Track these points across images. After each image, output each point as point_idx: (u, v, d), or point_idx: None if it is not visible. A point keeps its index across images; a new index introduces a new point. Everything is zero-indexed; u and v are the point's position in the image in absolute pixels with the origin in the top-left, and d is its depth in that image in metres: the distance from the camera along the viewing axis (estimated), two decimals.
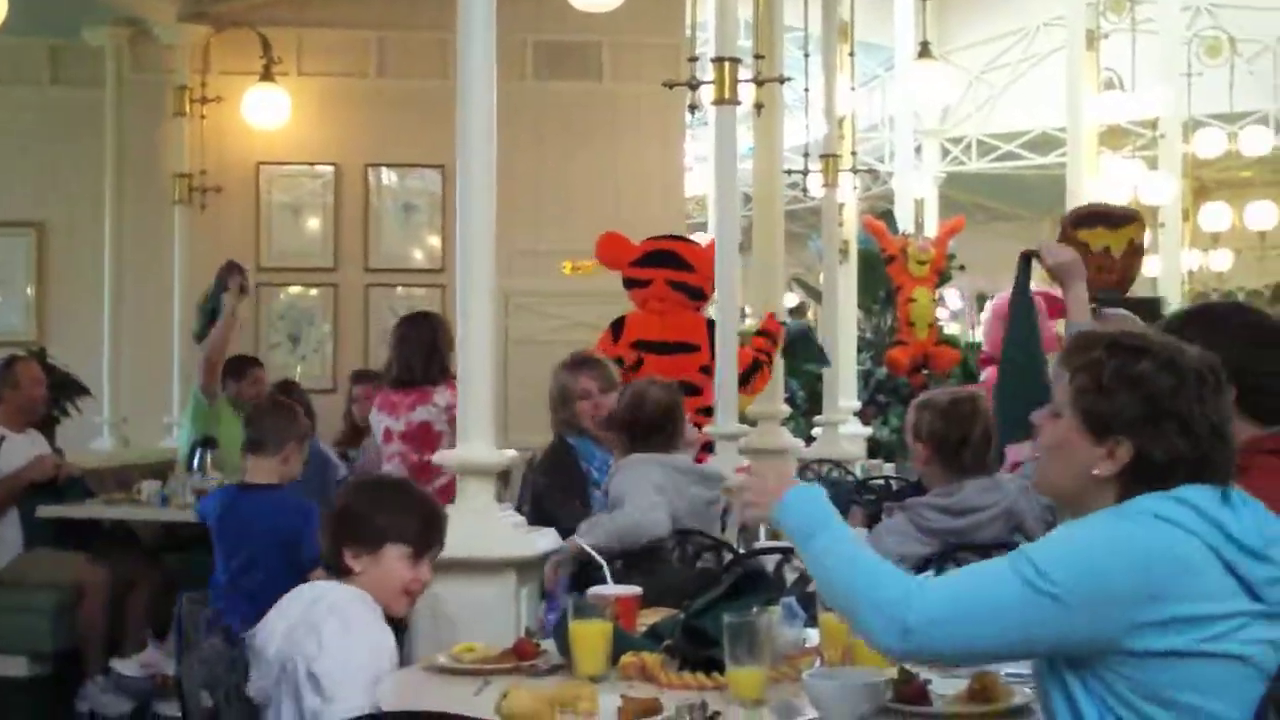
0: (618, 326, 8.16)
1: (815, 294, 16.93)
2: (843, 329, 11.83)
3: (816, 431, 10.98)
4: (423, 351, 7.03)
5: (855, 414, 12.05)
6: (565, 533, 4.88)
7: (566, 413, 6.02)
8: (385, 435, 6.96)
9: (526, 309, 10.19)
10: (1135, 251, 6.81)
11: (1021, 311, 4.62)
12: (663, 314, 8.11)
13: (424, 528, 3.69)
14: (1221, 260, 19.66)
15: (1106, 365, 2.72)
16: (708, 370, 7.72)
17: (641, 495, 5.03)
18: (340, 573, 3.64)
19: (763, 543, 5.42)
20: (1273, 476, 3.12)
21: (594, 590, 3.75)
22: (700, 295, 8.02)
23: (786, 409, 10.05)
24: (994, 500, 4.65)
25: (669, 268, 8.20)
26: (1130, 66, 16.91)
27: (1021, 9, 21.01)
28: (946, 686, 3.06)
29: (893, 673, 3.04)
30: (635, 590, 3.77)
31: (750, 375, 8.37)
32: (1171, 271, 17.85)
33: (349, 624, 3.45)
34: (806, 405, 12.61)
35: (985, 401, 4.62)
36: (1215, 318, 3.53)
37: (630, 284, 8.35)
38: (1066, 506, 2.91)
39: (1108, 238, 5.69)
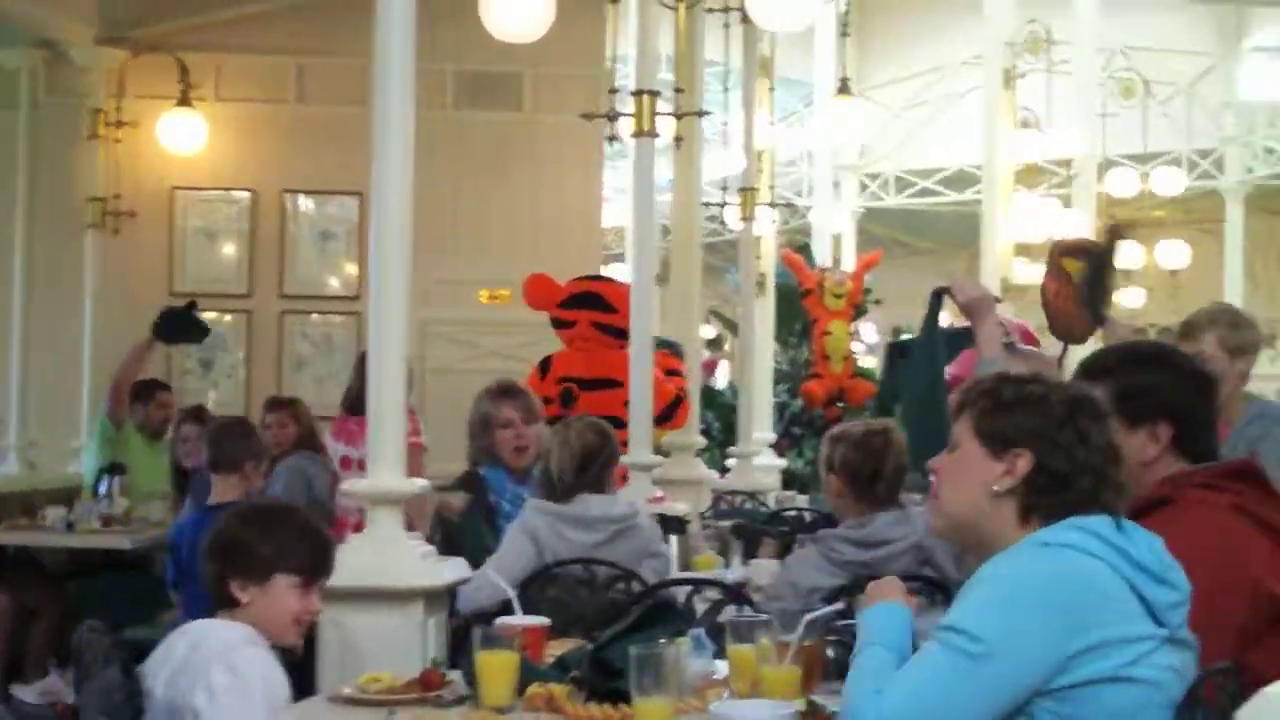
0: (545, 364, 8.28)
1: (732, 326, 16.96)
2: (759, 361, 11.85)
3: (731, 463, 10.99)
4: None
5: (770, 446, 12.08)
6: (474, 564, 4.84)
7: (485, 441, 5.99)
8: (344, 463, 7.05)
9: (443, 338, 10.16)
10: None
11: (931, 346, 4.66)
12: (588, 352, 8.21)
13: (313, 556, 3.58)
14: (1134, 298, 19.85)
15: (1003, 388, 2.86)
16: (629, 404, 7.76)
17: (502, 554, 4.99)
18: (226, 604, 3.52)
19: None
20: (1203, 509, 3.17)
21: (501, 620, 3.73)
22: (623, 335, 8.10)
23: (702, 440, 10.06)
24: (904, 534, 4.67)
25: (593, 309, 8.35)
26: (1046, 106, 17.07)
27: (940, 47, 21.19)
28: None
29: (801, 705, 3.04)
30: (543, 621, 3.75)
31: (673, 410, 8.46)
32: None
33: (235, 669, 3.32)
34: (722, 437, 12.65)
35: (898, 434, 4.64)
36: (1151, 357, 3.58)
37: (557, 324, 8.48)
38: (968, 541, 2.95)
39: (1072, 265, 5.78)
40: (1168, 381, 3.48)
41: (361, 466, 6.67)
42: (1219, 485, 3.38)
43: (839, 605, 3.67)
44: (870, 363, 16.72)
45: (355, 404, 7.16)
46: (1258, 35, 21.50)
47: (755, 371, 11.46)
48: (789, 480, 11.99)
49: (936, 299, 4.65)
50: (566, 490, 5.14)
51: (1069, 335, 5.93)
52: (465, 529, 5.66)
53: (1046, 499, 2.77)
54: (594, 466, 5.15)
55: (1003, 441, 2.80)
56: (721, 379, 16.60)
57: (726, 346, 18.78)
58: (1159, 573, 2.72)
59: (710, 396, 13.71)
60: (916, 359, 4.62)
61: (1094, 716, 2.60)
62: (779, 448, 12.65)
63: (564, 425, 5.31)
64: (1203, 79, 21.24)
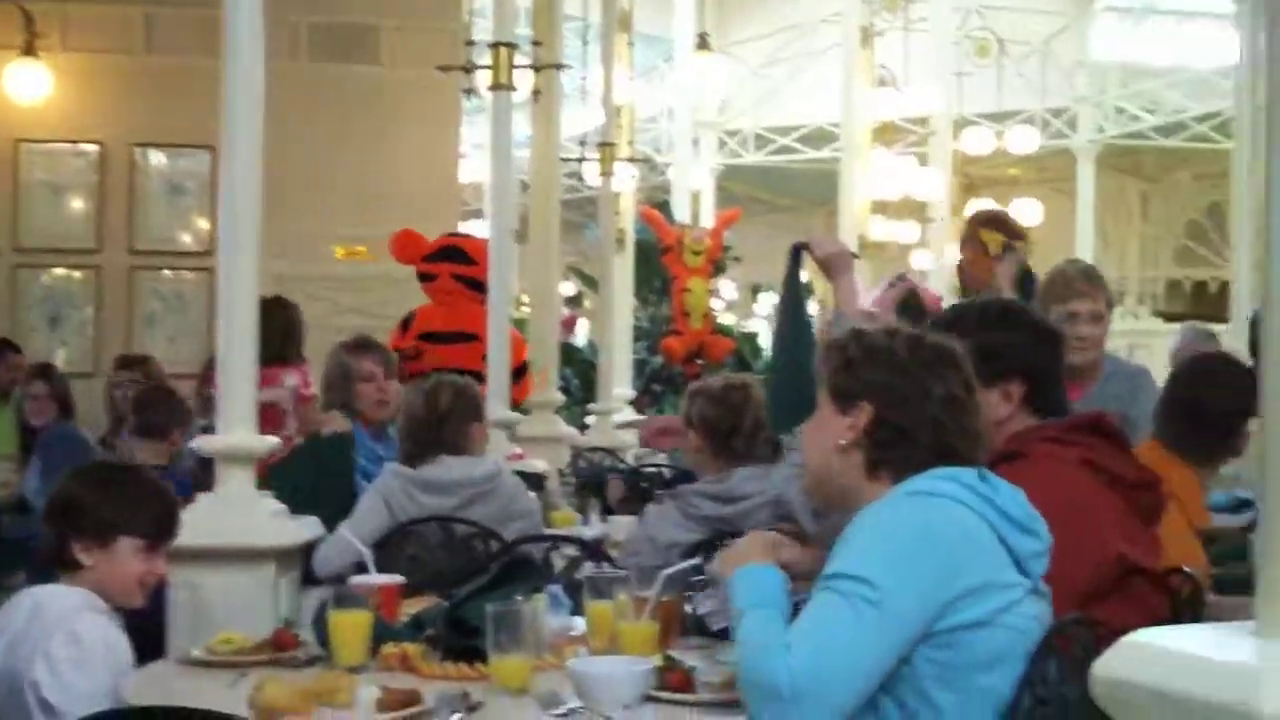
0: (407, 320, 8.22)
1: (591, 282, 16.92)
2: (618, 318, 11.81)
3: (591, 420, 10.96)
4: (276, 334, 6.94)
5: (629, 403, 12.06)
6: (327, 522, 4.74)
7: (344, 394, 5.90)
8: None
9: (299, 294, 9.99)
10: (1006, 248, 6.94)
11: (793, 301, 4.64)
12: (449, 306, 8.15)
13: (158, 518, 3.50)
14: None
15: (850, 345, 2.88)
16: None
17: (357, 515, 4.88)
18: (67, 566, 3.42)
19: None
20: (1052, 463, 3.19)
21: (355, 579, 3.67)
22: (482, 288, 8.04)
23: (561, 397, 10.03)
24: (761, 489, 4.65)
25: (454, 262, 8.28)
26: (903, 65, 17.23)
27: (799, 5, 21.27)
28: (711, 674, 3.04)
29: (659, 660, 3.02)
30: (398, 579, 3.69)
31: (521, 374, 8.45)
32: (941, 265, 18.19)
33: (77, 637, 3.24)
34: (581, 394, 12.62)
35: (757, 390, 4.62)
36: (1005, 315, 3.60)
37: (421, 278, 8.42)
38: (830, 498, 2.97)
39: (988, 237, 5.80)
40: (1021, 340, 3.51)
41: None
42: (1068, 439, 3.42)
43: (696, 561, 3.66)
44: (729, 319, 16.80)
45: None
46: None
47: (615, 329, 11.42)
48: None
49: (795, 254, 4.62)
50: (422, 450, 5.02)
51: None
52: (332, 479, 5.57)
53: (889, 451, 2.79)
54: (451, 424, 5.04)
55: (847, 396, 2.82)
56: (581, 336, 16.58)
57: (586, 303, 18.75)
58: (1024, 522, 2.75)
59: (569, 353, 13.68)
60: (781, 316, 4.60)
61: (967, 662, 2.62)
62: (639, 404, 12.64)
63: (420, 382, 5.20)
64: (1056, 38, 21.52)
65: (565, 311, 15.27)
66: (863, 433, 2.80)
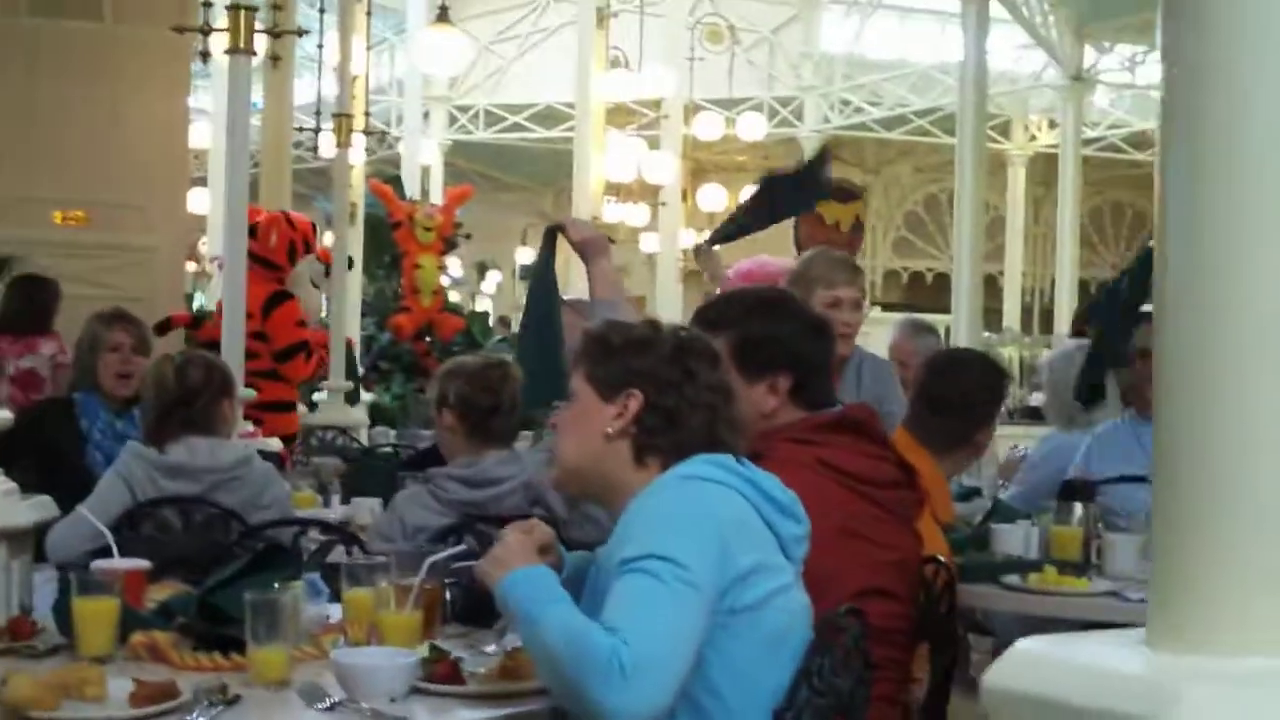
0: None
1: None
2: (349, 294, 11.60)
3: (319, 397, 10.73)
4: (33, 306, 7.80)
5: (359, 380, 11.86)
6: (53, 492, 4.51)
7: (90, 363, 5.69)
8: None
9: (15, 260, 9.57)
10: (859, 227, 6.86)
11: (544, 283, 4.59)
12: None
13: None
14: None
15: (611, 334, 2.88)
16: (259, 336, 8.20)
17: (97, 496, 4.65)
18: None
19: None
20: (787, 466, 3.10)
21: (99, 563, 3.48)
22: (264, 263, 8.11)
23: None
24: (513, 472, 4.59)
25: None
26: (638, 47, 17.29)
27: None
28: (477, 664, 2.97)
29: (424, 651, 2.94)
30: (143, 563, 3.52)
31: (292, 354, 8.42)
32: (669, 250, 18.35)
33: None
34: None
35: (515, 369, 4.54)
36: (770, 306, 3.57)
37: None
38: (591, 489, 2.97)
39: (838, 211, 5.78)
40: (789, 332, 3.49)
41: (11, 381, 7.45)
42: (807, 439, 3.41)
43: (461, 547, 3.58)
44: (455, 297, 16.68)
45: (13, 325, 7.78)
46: None
47: (346, 304, 11.20)
48: (375, 415, 11.80)
49: (550, 236, 4.58)
50: (168, 427, 4.78)
51: None
52: (54, 447, 5.35)
53: (660, 438, 2.79)
54: (202, 400, 4.81)
55: (613, 385, 2.82)
56: None
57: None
58: (786, 505, 2.79)
59: None
60: (532, 297, 4.54)
61: (746, 646, 2.63)
62: (366, 383, 12.46)
63: (165, 358, 4.96)
64: (785, 29, 21.87)
65: None
66: (632, 420, 2.79)
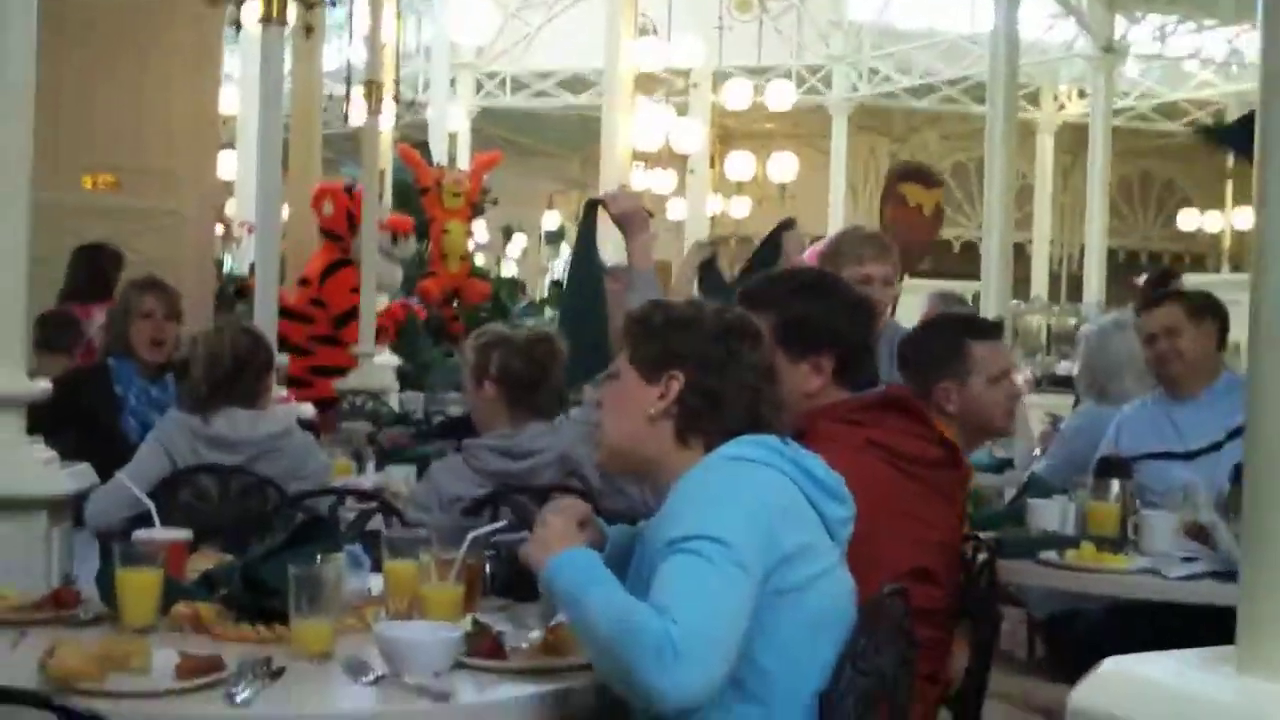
0: None
1: None
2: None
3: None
4: (92, 273, 7.94)
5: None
6: (90, 457, 4.53)
7: (122, 329, 5.73)
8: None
9: (45, 224, 9.57)
10: (939, 213, 6.86)
11: (585, 255, 4.59)
12: None
13: None
14: (741, 208, 20.31)
15: (654, 314, 2.88)
16: (317, 302, 8.88)
17: (137, 464, 4.69)
18: None
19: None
20: (834, 445, 3.11)
21: (141, 533, 3.50)
22: (324, 233, 8.39)
23: None
24: (550, 444, 4.58)
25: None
26: (666, 14, 17.24)
27: None
28: (519, 639, 2.97)
29: (467, 625, 2.94)
30: (185, 534, 3.53)
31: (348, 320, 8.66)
32: (698, 216, 18.34)
33: None
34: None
35: (560, 343, 4.51)
36: (814, 286, 3.56)
37: None
38: (635, 469, 2.99)
39: (921, 195, 5.77)
40: (832, 312, 3.48)
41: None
42: (857, 419, 3.41)
43: (502, 523, 3.58)
44: (480, 261, 16.69)
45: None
46: None
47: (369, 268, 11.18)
48: (401, 379, 11.81)
49: (590, 210, 4.60)
50: (211, 399, 4.83)
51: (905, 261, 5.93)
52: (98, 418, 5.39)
53: (702, 419, 2.80)
54: (249, 372, 4.87)
55: (655, 365, 2.82)
56: None
57: None
58: (832, 488, 2.80)
59: None
60: (574, 271, 4.54)
61: (792, 627, 2.63)
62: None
63: (216, 330, 5.01)
64: None
65: None
66: (674, 401, 2.79)
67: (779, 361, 3.07)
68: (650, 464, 2.86)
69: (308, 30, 8.30)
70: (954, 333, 4.45)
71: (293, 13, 8.01)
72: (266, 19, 7.28)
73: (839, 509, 2.79)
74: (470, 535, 3.17)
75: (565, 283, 4.67)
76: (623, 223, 4.48)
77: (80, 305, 7.72)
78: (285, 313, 8.80)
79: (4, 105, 4.26)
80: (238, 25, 7.92)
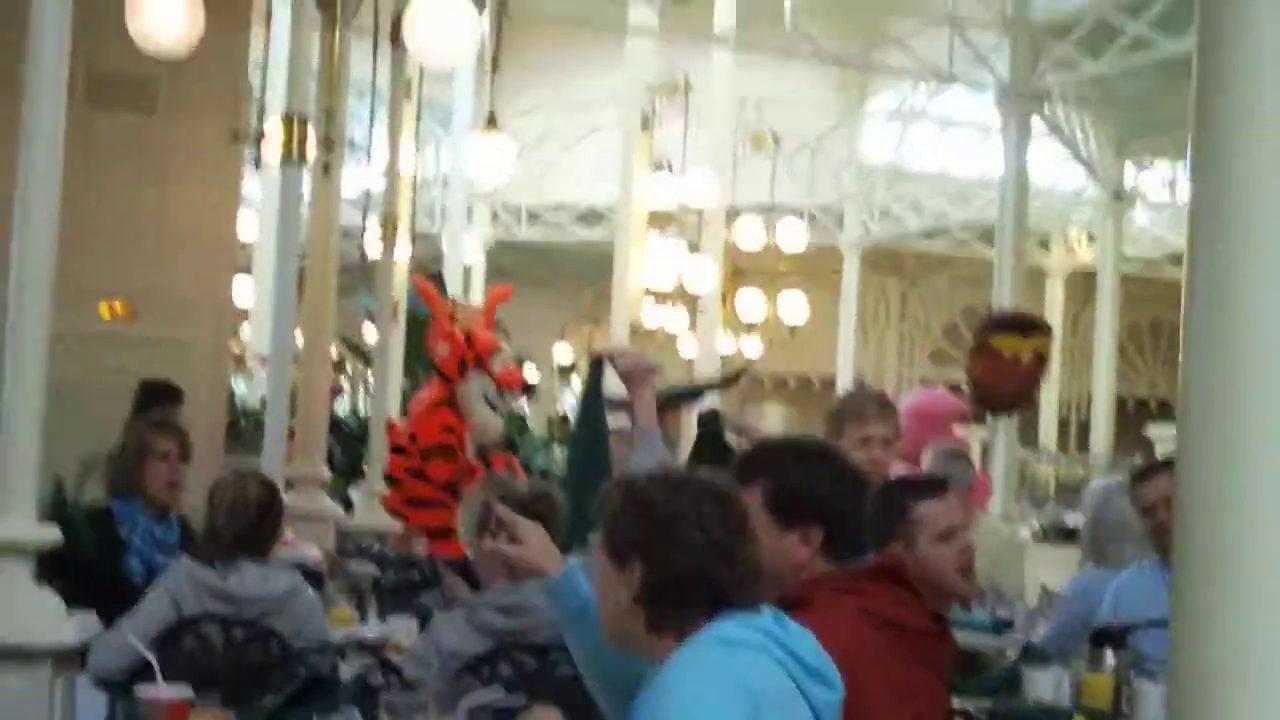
0: None
1: (359, 352, 16.67)
2: (391, 391, 11.63)
3: (355, 496, 10.69)
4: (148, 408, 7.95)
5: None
6: (102, 611, 4.55)
7: (131, 468, 5.72)
8: None
9: (59, 349, 9.61)
10: (1040, 361, 6.81)
11: (592, 415, 4.62)
12: None
13: None
14: (753, 349, 20.36)
15: (615, 495, 2.80)
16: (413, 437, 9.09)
17: (142, 614, 4.72)
18: None
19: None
20: (831, 614, 3.15)
21: (143, 690, 3.51)
22: (436, 371, 9.38)
23: (327, 472, 9.75)
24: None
25: None
26: (680, 152, 17.39)
27: (577, 83, 21.38)
28: None
29: None
30: (186, 693, 3.55)
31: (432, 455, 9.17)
32: (709, 354, 18.36)
33: None
34: (346, 467, 12.27)
35: (562, 499, 4.53)
36: (808, 456, 3.57)
37: None
38: (630, 650, 2.88)
39: (1017, 344, 5.73)
40: (824, 485, 3.47)
41: None
42: (850, 588, 3.41)
43: (498, 694, 3.60)
44: None
45: None
46: (875, 100, 22.43)
47: (387, 402, 11.22)
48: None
49: (597, 365, 4.62)
50: (231, 547, 4.87)
51: (994, 409, 5.88)
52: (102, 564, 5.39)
53: (666, 609, 2.72)
54: (268, 524, 4.91)
55: (618, 554, 2.75)
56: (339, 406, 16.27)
57: (347, 368, 18.48)
58: (820, 670, 2.75)
59: (333, 424, 13.37)
60: (580, 429, 4.57)
61: None
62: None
63: (236, 475, 5.03)
64: (827, 137, 22.00)
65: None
66: (638, 590, 2.73)
67: (768, 528, 3.07)
68: (639, 645, 2.78)
69: (325, 169, 8.40)
70: (894, 495, 4.38)
71: (312, 151, 8.14)
72: (286, 158, 7.39)
73: (824, 692, 2.75)
74: (461, 707, 3.19)
75: (571, 441, 4.69)
76: (628, 378, 4.51)
77: None
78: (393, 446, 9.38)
79: (30, 235, 4.29)
80: (257, 162, 8.02)
